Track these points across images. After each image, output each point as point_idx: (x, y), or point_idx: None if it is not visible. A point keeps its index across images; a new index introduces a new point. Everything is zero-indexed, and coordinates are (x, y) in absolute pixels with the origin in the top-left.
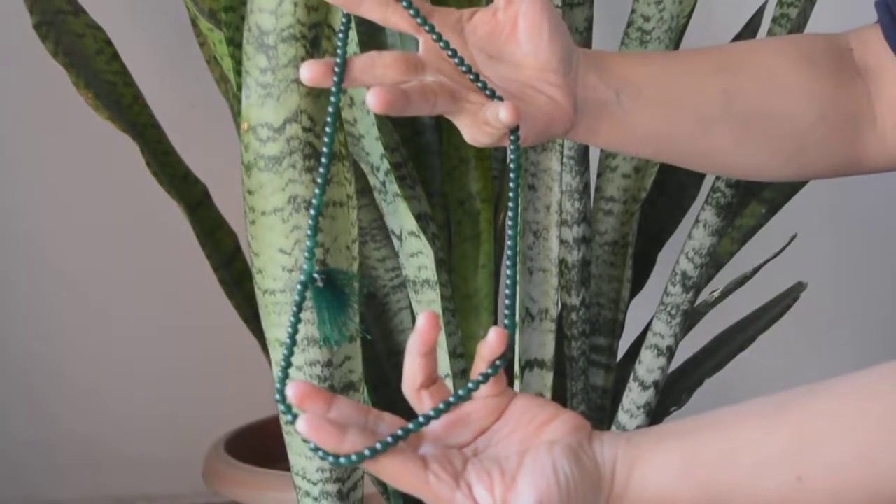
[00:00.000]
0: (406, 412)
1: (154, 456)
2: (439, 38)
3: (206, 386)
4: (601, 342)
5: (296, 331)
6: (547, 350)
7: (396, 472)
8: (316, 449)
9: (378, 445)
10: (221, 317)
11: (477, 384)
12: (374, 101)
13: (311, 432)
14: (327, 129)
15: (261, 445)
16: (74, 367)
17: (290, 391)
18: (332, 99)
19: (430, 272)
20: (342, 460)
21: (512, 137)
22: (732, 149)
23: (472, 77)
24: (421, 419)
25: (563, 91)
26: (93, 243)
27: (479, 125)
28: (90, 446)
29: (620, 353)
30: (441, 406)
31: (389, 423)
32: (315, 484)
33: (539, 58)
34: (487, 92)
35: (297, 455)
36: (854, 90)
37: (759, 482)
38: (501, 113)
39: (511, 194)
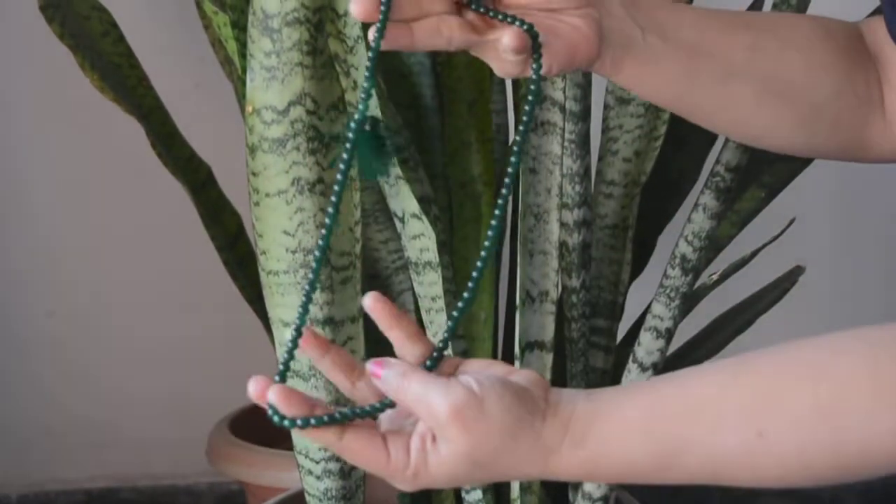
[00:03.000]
0: None
1: (158, 435)
2: None
3: (210, 366)
4: (601, 324)
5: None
6: (547, 332)
7: (357, 447)
8: (273, 413)
9: (337, 415)
10: (225, 297)
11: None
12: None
13: (281, 399)
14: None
15: (264, 425)
16: (78, 348)
17: (253, 386)
18: (374, 38)
19: (432, 254)
20: (298, 423)
21: (534, 66)
22: (750, 106)
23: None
24: (367, 408)
25: (588, 20)
26: (97, 225)
27: (502, 57)
28: (94, 426)
29: (620, 335)
30: (386, 401)
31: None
32: (318, 462)
33: (561, 3)
34: (499, 17)
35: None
36: (868, 72)
37: (719, 437)
38: (505, 39)
39: (521, 127)
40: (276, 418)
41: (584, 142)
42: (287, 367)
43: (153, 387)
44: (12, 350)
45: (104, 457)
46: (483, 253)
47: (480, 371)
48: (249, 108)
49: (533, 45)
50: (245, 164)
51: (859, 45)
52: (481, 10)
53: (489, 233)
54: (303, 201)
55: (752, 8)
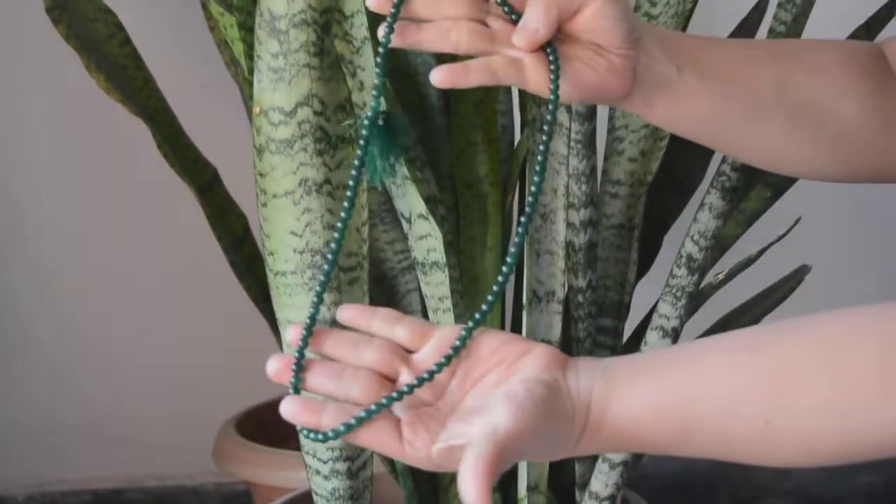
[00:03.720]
0: None
1: (164, 436)
2: None
3: (216, 366)
4: (607, 323)
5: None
6: (554, 331)
7: (373, 443)
8: (301, 429)
9: (353, 421)
10: (231, 297)
11: (440, 367)
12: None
13: (293, 415)
14: (377, 66)
15: (271, 425)
16: (84, 347)
17: (272, 366)
18: (384, 34)
19: (439, 254)
20: (320, 436)
21: (552, 88)
22: (782, 138)
23: (513, 17)
24: (384, 401)
25: (625, 59)
26: (99, 227)
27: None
28: (100, 427)
29: (626, 335)
30: (405, 389)
31: (362, 383)
32: (325, 462)
33: (604, 42)
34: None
35: None
36: (893, 92)
37: (729, 421)
38: (433, 75)
39: (541, 147)
40: (304, 433)
41: (589, 141)
42: (299, 371)
43: (160, 387)
44: (19, 349)
45: (111, 457)
46: (500, 278)
47: (504, 356)
48: (257, 110)
49: (552, 67)
50: (251, 165)
51: (882, 66)
52: (505, 9)
53: (507, 258)
54: (310, 202)
55: (754, 10)
